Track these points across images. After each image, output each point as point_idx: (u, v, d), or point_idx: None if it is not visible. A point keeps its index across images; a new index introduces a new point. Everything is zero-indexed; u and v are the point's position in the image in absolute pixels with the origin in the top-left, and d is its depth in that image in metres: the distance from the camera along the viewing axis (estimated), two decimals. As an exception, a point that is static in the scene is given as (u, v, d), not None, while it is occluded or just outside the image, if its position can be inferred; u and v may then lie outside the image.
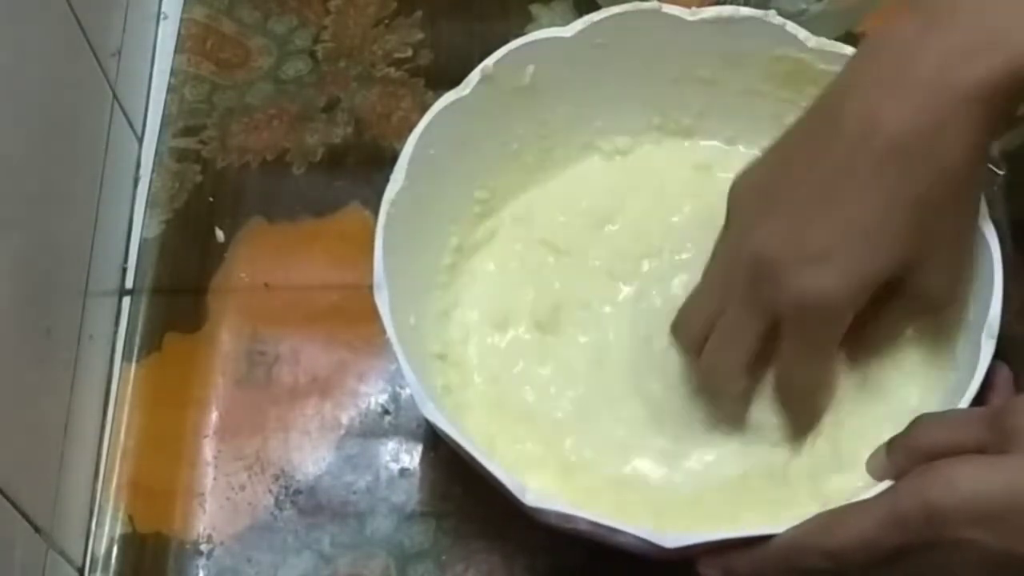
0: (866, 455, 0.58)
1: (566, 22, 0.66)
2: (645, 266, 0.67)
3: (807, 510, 0.54)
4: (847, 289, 0.55)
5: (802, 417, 0.61)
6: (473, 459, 0.56)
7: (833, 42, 0.64)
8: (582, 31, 0.65)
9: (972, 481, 0.48)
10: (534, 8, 0.81)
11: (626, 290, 0.67)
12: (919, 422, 0.54)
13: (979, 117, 0.52)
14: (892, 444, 0.55)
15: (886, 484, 0.52)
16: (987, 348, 0.56)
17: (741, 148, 0.69)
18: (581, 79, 0.67)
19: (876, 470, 0.55)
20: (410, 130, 0.64)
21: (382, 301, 0.59)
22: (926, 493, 0.49)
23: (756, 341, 0.57)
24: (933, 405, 0.59)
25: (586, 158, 0.71)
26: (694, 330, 0.60)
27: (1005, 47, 0.51)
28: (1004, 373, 0.58)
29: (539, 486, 0.61)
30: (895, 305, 0.59)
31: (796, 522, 0.53)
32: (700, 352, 0.60)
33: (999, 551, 0.48)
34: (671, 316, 0.62)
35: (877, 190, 0.54)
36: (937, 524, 0.48)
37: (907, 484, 0.50)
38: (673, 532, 0.54)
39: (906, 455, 0.53)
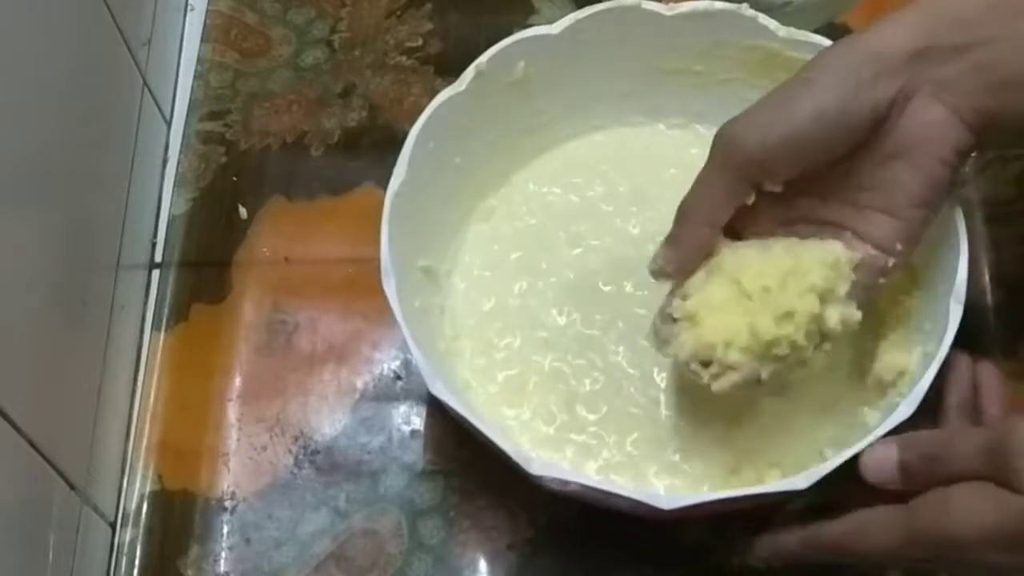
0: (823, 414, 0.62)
1: (565, 13, 0.67)
2: (638, 232, 0.70)
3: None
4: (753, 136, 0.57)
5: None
6: (479, 431, 0.58)
7: (802, 31, 0.65)
8: (568, 28, 0.66)
9: (991, 516, 0.50)
10: (535, 0, 0.82)
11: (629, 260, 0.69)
12: (920, 433, 0.56)
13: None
14: (900, 442, 0.55)
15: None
16: (955, 312, 0.58)
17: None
18: (569, 72, 0.68)
19: (880, 463, 0.55)
20: (420, 114, 0.65)
21: (389, 288, 0.60)
22: (947, 526, 0.51)
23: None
24: (906, 363, 0.62)
25: (576, 142, 0.72)
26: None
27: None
28: (990, 372, 0.59)
29: (533, 443, 0.64)
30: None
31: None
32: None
33: (1014, 565, 0.51)
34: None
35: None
36: (957, 550, 0.51)
37: (927, 511, 0.52)
38: (668, 494, 0.56)
39: (916, 458, 0.55)
